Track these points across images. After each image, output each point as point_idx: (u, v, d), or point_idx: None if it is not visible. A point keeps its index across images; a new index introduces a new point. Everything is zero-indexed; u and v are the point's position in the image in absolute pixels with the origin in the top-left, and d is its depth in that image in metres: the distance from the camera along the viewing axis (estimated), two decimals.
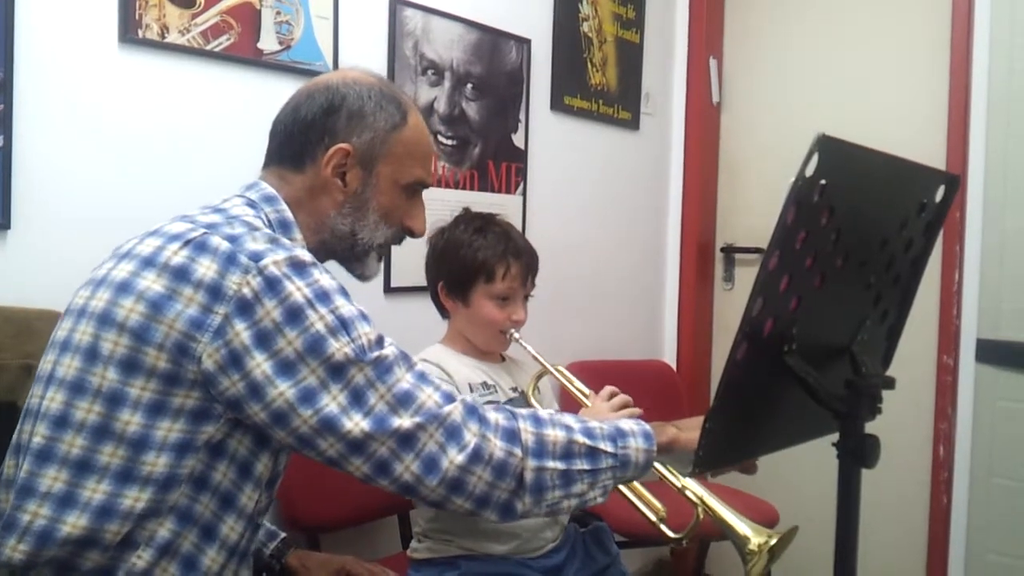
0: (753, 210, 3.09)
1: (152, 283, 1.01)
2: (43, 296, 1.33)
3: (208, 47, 1.75)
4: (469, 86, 2.32)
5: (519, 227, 2.44)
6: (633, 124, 2.94)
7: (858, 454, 0.99)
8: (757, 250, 3.05)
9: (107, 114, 1.63)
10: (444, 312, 1.79)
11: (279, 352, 1.00)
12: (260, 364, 0.99)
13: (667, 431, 1.21)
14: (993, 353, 2.47)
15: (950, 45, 2.60)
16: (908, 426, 2.64)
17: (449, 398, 1.08)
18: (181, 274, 1.01)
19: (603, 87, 2.79)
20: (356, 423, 1.01)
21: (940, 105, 2.63)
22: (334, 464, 1.04)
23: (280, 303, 1.00)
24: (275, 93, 1.55)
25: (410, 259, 2.12)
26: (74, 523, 0.99)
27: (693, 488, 1.35)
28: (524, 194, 2.51)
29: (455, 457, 1.04)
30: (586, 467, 1.12)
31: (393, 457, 1.03)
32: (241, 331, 0.99)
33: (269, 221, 1.15)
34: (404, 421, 1.03)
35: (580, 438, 1.13)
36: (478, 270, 1.69)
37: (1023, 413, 2.43)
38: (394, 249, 2.09)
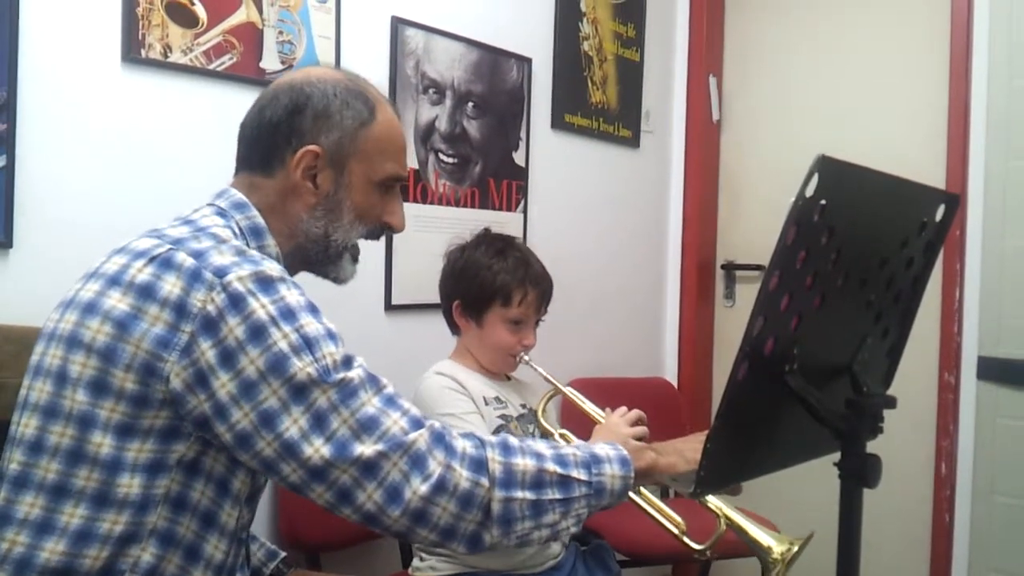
0: (754, 227, 3.09)
1: (117, 302, 1.00)
2: (45, 315, 1.33)
3: (211, 66, 1.76)
4: (470, 104, 2.33)
5: None
6: (633, 142, 2.95)
7: (860, 474, 0.99)
8: (758, 267, 3.05)
9: (110, 133, 1.64)
10: (455, 329, 1.80)
11: (242, 371, 0.97)
12: (225, 384, 0.97)
13: (645, 456, 1.17)
14: (994, 370, 2.47)
15: (949, 64, 2.62)
16: (910, 444, 2.63)
17: (416, 424, 1.03)
18: (146, 292, 0.99)
19: (603, 105, 2.80)
20: (316, 449, 0.98)
21: (939, 124, 2.64)
22: (298, 490, 1.01)
23: (243, 320, 0.98)
24: None
25: (411, 277, 2.13)
26: (52, 548, 0.98)
27: (713, 500, 1.35)
28: (525, 212, 2.52)
29: (419, 487, 1.00)
30: (558, 496, 1.07)
31: (355, 485, 1.00)
32: (206, 350, 0.97)
33: (240, 229, 1.13)
34: (366, 448, 0.99)
35: (551, 466, 1.08)
36: (496, 293, 1.70)
37: None
38: (395, 267, 2.16)
